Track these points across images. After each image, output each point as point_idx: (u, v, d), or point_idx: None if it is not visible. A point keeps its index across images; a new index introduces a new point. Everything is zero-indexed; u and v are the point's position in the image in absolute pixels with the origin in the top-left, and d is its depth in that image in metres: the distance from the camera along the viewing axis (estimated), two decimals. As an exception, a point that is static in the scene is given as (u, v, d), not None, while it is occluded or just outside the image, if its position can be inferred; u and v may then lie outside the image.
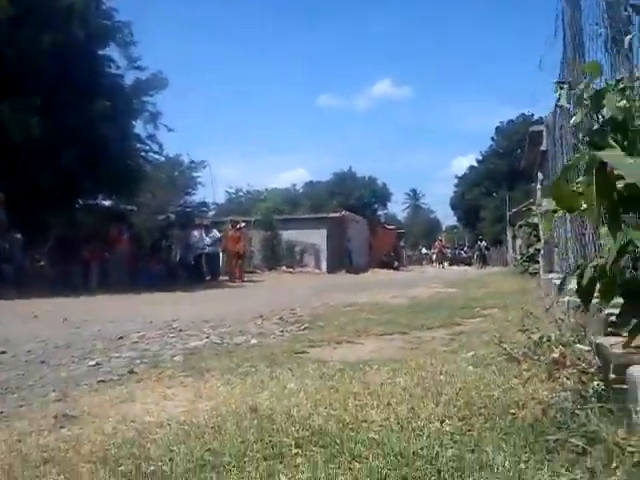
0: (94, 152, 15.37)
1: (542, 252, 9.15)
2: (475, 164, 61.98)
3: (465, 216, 61.31)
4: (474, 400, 2.31)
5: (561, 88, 2.36)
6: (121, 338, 5.36)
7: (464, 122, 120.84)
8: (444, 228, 74.62)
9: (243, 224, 22.58)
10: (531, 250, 12.81)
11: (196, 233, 19.04)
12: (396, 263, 35.29)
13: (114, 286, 13.90)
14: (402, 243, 42.97)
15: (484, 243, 37.78)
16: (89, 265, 16.04)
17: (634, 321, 1.66)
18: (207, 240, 18.74)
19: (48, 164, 14.31)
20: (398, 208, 75.72)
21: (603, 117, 1.89)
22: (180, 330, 5.75)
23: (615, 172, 1.60)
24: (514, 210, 28.71)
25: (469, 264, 37.34)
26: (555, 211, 2.00)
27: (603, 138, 1.85)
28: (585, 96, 1.95)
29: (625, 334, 1.71)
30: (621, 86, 2.20)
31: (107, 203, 20.09)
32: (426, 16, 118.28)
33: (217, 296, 11.94)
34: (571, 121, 2.03)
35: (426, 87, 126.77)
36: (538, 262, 10.66)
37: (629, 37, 2.51)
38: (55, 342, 5.10)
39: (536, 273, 10.59)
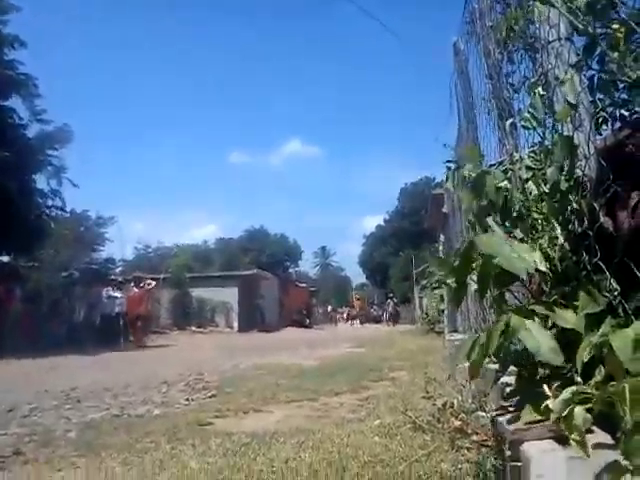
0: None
1: (446, 312, 9.48)
2: (382, 224, 64.04)
3: (374, 274, 62.64)
4: (379, 475, 2.29)
5: (448, 169, 2.50)
6: (10, 411, 4.95)
7: (372, 182, 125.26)
8: (354, 286, 75.88)
9: (152, 283, 21.78)
10: (432, 312, 13.24)
11: (104, 292, 18.15)
12: (308, 321, 35.32)
13: (10, 350, 12.89)
14: (314, 301, 43.19)
15: (395, 300, 38.10)
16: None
17: (526, 395, 1.72)
18: (118, 299, 17.89)
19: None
20: (309, 265, 76.42)
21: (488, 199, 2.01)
22: (78, 401, 5.39)
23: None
24: (420, 269, 29.72)
25: (379, 322, 37.92)
26: (445, 282, 2.08)
27: (483, 220, 1.98)
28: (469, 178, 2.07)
29: (517, 408, 1.77)
30: (503, 167, 2.37)
31: (4, 259, 18.94)
32: (330, 75, 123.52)
33: (123, 360, 11.35)
34: (462, 206, 2.16)
35: (333, 148, 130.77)
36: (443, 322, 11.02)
37: (509, 122, 2.71)
38: None
39: (441, 332, 10.91)
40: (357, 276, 74.73)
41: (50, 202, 18.41)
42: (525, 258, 1.64)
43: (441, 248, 12.75)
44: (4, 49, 16.32)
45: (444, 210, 10.84)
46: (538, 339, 1.48)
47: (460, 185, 2.04)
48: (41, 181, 18.07)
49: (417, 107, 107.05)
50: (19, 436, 3.86)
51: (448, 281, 2.00)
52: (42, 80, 17.40)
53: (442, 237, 12.52)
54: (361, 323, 39.41)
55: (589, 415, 1.24)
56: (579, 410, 1.22)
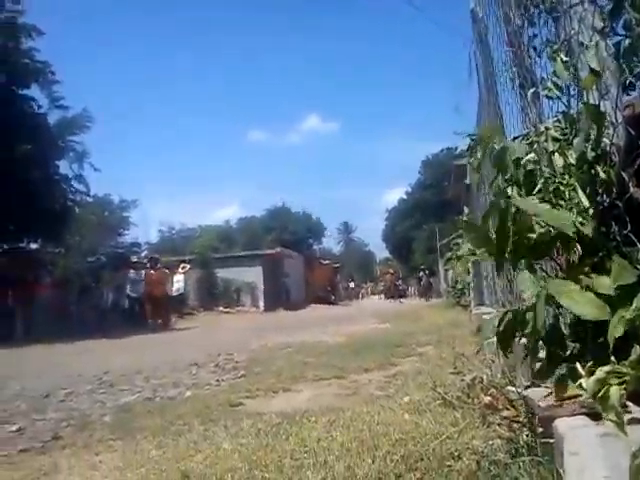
0: (17, 195, 14.80)
1: (472, 285, 9.41)
2: (404, 197, 63.49)
3: (397, 248, 62.34)
4: (411, 453, 2.30)
5: (470, 145, 2.45)
6: (47, 396, 5.08)
7: (392, 156, 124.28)
8: (378, 260, 75.83)
9: (187, 266, 22.09)
10: (460, 284, 13.15)
11: (132, 274, 18.17)
12: (333, 298, 35.45)
13: (42, 335, 13.20)
14: (338, 277, 43.27)
15: (427, 272, 37.27)
16: (13, 314, 15.26)
17: (558, 372, 1.70)
18: (139, 282, 17.99)
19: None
20: (333, 242, 76.43)
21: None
22: (111, 385, 5.50)
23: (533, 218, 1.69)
24: (444, 241, 29.52)
25: (404, 296, 37.84)
26: (474, 253, 2.05)
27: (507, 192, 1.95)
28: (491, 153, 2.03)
29: (548, 384, 1.75)
30: (528, 140, 2.31)
31: (33, 246, 19.29)
32: (346, 52, 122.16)
33: (152, 343, 11.54)
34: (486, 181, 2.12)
35: (352, 123, 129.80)
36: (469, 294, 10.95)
37: (531, 91, 2.63)
38: (-30, 404, 4.77)
39: (467, 305, 10.86)
40: (381, 251, 74.62)
41: (74, 188, 18.60)
42: (567, 217, 1.63)
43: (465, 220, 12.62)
44: (21, 38, 16.40)
45: (467, 181, 10.71)
46: (583, 300, 1.46)
47: (482, 160, 1.99)
48: (64, 167, 18.24)
49: (436, 77, 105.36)
50: (56, 421, 3.97)
51: (478, 252, 1.97)
52: (59, 65, 17.49)
53: (466, 209, 12.39)
54: (387, 297, 37.75)
55: (624, 392, 1.21)
56: (614, 390, 1.20)
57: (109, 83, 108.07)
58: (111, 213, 28.75)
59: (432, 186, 54.73)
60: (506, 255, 1.82)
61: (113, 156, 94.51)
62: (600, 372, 1.25)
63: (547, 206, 1.72)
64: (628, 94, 2.17)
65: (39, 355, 9.98)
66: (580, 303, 1.47)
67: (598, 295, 1.53)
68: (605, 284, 1.51)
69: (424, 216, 54.44)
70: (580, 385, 1.40)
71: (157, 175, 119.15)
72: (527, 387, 2.02)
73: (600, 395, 1.22)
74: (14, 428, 3.82)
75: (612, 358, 1.31)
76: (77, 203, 19.36)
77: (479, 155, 2.03)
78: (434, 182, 53.96)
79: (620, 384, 1.21)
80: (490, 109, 5.65)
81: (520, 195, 2.03)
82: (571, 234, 1.63)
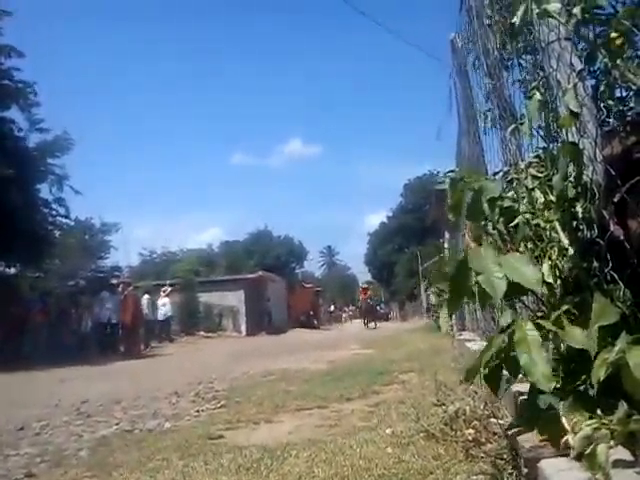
0: (-5, 219, 14.61)
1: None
2: (386, 221, 63.81)
3: (379, 272, 62.48)
4: (393, 490, 2.27)
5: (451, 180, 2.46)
6: (21, 429, 4.94)
7: (374, 179, 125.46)
8: (360, 284, 75.77)
9: (168, 288, 21.99)
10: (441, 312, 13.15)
11: (105, 295, 17.69)
12: (315, 322, 35.31)
13: (19, 362, 12.93)
14: (320, 301, 43.19)
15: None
16: (-12, 340, 14.95)
17: (540, 412, 1.69)
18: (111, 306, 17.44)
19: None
20: (314, 266, 76.34)
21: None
22: (88, 415, 5.38)
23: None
24: (426, 265, 29.67)
25: (387, 319, 37.82)
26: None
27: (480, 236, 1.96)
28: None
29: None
30: (508, 177, 2.33)
31: (12, 271, 18.97)
32: (328, 75, 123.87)
33: (132, 370, 11.35)
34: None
35: (335, 146, 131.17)
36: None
37: (510, 128, 2.66)
38: (-57, 439, 4.62)
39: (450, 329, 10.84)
40: (363, 274, 74.68)
41: (54, 211, 18.41)
42: (524, 272, 1.59)
43: (446, 245, 12.71)
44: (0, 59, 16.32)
45: (448, 201, 10.79)
46: (534, 360, 1.45)
47: (459, 201, 1.99)
48: (44, 190, 18.05)
49: (418, 100, 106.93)
50: (31, 456, 3.85)
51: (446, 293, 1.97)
52: (41, 84, 17.39)
53: (447, 234, 12.48)
54: (366, 323, 29.96)
55: (612, 451, 1.20)
56: (602, 449, 1.19)
57: (90, 105, 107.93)
58: (92, 237, 28.35)
59: (414, 210, 55.20)
60: (461, 299, 1.82)
61: (94, 179, 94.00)
62: (587, 428, 1.25)
63: (512, 259, 1.68)
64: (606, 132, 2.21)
65: (15, 383, 9.74)
66: (532, 363, 1.47)
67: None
68: (579, 337, 1.50)
69: (406, 240, 54.77)
70: (565, 434, 1.39)
71: (139, 198, 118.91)
72: (510, 423, 2.01)
73: (587, 453, 1.21)
74: (-15, 464, 3.70)
75: (599, 412, 1.30)
76: (57, 226, 19.14)
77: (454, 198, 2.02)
78: (416, 206, 54.44)
79: (608, 441, 1.20)
80: (470, 138, 5.73)
81: (500, 233, 2.05)
82: (536, 289, 1.62)
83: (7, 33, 16.55)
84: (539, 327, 1.53)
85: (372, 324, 28.97)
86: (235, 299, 27.57)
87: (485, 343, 4.81)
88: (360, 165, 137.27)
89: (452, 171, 2.90)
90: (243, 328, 27.17)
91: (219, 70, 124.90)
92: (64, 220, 19.31)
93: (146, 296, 20.29)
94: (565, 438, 1.36)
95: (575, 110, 1.73)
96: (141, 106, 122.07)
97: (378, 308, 39.48)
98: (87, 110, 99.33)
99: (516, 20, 2.25)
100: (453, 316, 10.32)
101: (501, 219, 2.05)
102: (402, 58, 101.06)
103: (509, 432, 1.83)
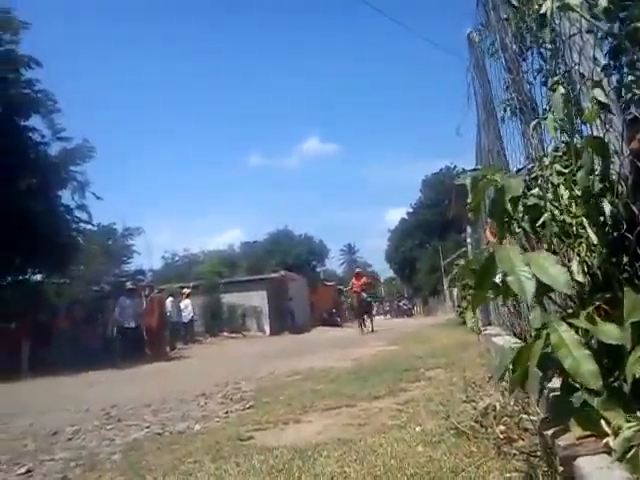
0: (20, 227, 14.88)
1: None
2: (406, 216, 63.57)
3: (401, 268, 62.25)
4: (427, 489, 2.27)
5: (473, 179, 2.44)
6: (55, 434, 5.04)
7: (392, 174, 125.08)
8: (382, 280, 75.49)
9: (186, 290, 22.23)
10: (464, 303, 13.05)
11: (125, 299, 17.36)
12: (338, 319, 35.32)
13: (48, 367, 13.16)
14: (342, 298, 43.17)
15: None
16: (19, 345, 15.22)
17: (575, 405, 1.68)
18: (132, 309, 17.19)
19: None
20: (335, 264, 76.27)
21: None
22: (119, 419, 5.45)
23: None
24: (448, 260, 29.52)
25: (410, 315, 37.67)
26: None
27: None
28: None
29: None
30: (533, 174, 2.31)
31: (38, 278, 19.32)
32: (344, 72, 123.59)
33: (159, 372, 11.49)
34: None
35: (352, 143, 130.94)
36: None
37: (533, 123, 2.64)
38: (-20, 445, 4.73)
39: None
40: (385, 271, 74.46)
41: (77, 218, 18.69)
42: (552, 273, 1.58)
43: (468, 240, 12.62)
44: (20, 69, 16.60)
45: (469, 200, 10.71)
46: (578, 360, 1.44)
47: (480, 201, 1.98)
48: (66, 197, 18.33)
49: (435, 97, 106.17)
50: (65, 461, 3.92)
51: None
52: (62, 93, 17.70)
53: (468, 229, 12.39)
54: (361, 325, 20.78)
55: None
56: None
57: (110, 110, 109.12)
58: (115, 242, 28.75)
59: (433, 205, 54.91)
60: (486, 294, 1.81)
61: (115, 183, 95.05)
62: (628, 430, 1.24)
63: (540, 259, 1.66)
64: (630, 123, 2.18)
65: (45, 389, 9.93)
66: (575, 363, 1.45)
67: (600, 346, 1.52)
68: (612, 332, 1.49)
69: (426, 235, 54.50)
70: (601, 426, 1.38)
71: (158, 202, 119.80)
72: (543, 420, 2.00)
73: (630, 456, 1.20)
74: (23, 470, 3.76)
75: (638, 413, 1.29)
76: (81, 233, 19.44)
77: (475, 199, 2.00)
78: (435, 201, 54.14)
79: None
80: (490, 132, 5.69)
81: (525, 231, 2.03)
82: (566, 290, 1.60)
83: (24, 42, 16.88)
84: (571, 325, 1.53)
85: (368, 325, 20.64)
86: (258, 299, 27.71)
87: (511, 338, 4.79)
88: (378, 161, 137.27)
89: (475, 169, 2.89)
90: (267, 328, 27.31)
91: (235, 70, 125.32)
92: (87, 226, 19.62)
93: (170, 298, 20.49)
94: (605, 440, 1.35)
95: (605, 101, 1.71)
96: (157, 107, 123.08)
97: (402, 304, 38.99)
98: (103, 113, 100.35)
99: (546, 10, 2.23)
100: (477, 310, 10.27)
101: (526, 217, 2.04)
102: (416, 55, 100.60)
103: (542, 429, 1.81)
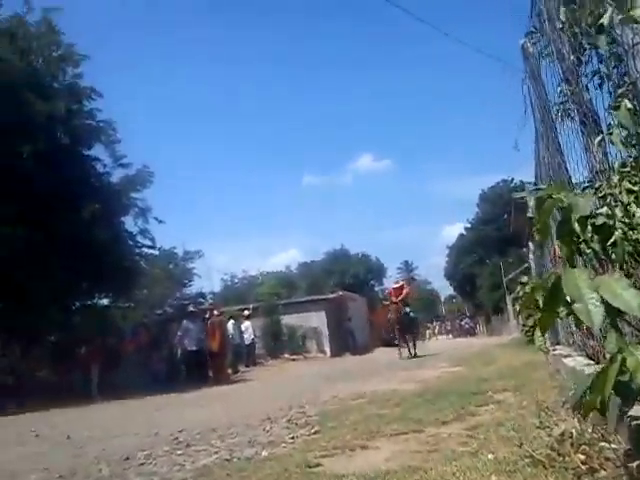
0: (87, 254, 15.52)
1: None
2: (464, 232, 62.49)
3: (461, 285, 61.09)
4: (504, 522, 2.20)
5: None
6: (127, 459, 5.16)
7: (447, 190, 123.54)
8: (443, 299, 74.31)
9: (246, 312, 22.47)
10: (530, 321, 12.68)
11: (188, 323, 17.59)
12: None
13: (115, 392, 13.58)
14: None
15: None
16: (89, 369, 15.78)
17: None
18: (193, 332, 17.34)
19: (37, 271, 14.34)
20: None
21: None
22: (187, 445, 5.54)
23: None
24: (510, 276, 28.76)
25: (473, 334, 36.74)
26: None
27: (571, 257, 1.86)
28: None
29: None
30: (601, 193, 2.22)
31: (105, 302, 20.06)
32: (393, 88, 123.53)
33: (222, 395, 11.64)
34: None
35: (405, 159, 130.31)
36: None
37: (599, 139, 2.56)
38: (58, 470, 4.89)
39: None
40: (444, 289, 73.23)
41: (140, 243, 19.33)
42: (625, 298, 1.50)
43: (531, 256, 12.28)
44: (83, 101, 17.44)
45: (529, 214, 10.45)
46: None
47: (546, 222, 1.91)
48: (129, 223, 19.01)
49: (489, 111, 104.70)
50: (139, 486, 4.02)
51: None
52: (120, 122, 18.41)
53: (531, 245, 12.06)
54: (401, 347, 17.84)
55: None
56: None
57: (164, 136, 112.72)
58: (176, 265, 29.53)
59: (492, 220, 53.85)
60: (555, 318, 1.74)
61: (174, 208, 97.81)
62: None
63: (612, 283, 1.58)
64: None
65: (115, 413, 10.23)
66: None
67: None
68: None
69: (486, 251, 53.39)
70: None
71: (216, 224, 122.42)
72: (629, 450, 1.91)
73: None
74: (101, 495, 3.89)
75: None
76: (143, 257, 20.08)
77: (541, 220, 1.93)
78: (493, 215, 53.10)
79: None
80: (549, 145, 5.55)
81: (594, 251, 1.96)
82: (596, 328, 1.52)
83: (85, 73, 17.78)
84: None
85: (411, 349, 17.13)
86: (317, 320, 27.74)
87: (583, 359, 4.62)
88: (433, 177, 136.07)
89: (537, 187, 2.82)
90: (327, 349, 27.25)
91: (286, 90, 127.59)
92: (149, 251, 20.24)
93: (232, 321, 20.81)
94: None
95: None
96: (209, 131, 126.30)
97: (464, 323, 37.99)
98: (156, 138, 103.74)
99: (604, 21, 2.18)
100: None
101: (595, 237, 1.96)
102: (467, 68, 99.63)
103: (628, 461, 1.73)
